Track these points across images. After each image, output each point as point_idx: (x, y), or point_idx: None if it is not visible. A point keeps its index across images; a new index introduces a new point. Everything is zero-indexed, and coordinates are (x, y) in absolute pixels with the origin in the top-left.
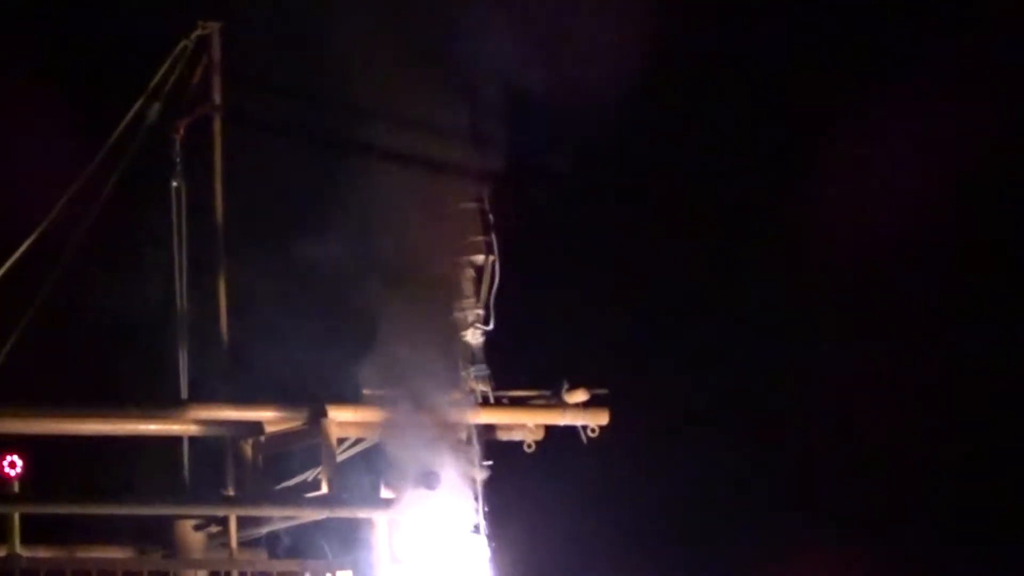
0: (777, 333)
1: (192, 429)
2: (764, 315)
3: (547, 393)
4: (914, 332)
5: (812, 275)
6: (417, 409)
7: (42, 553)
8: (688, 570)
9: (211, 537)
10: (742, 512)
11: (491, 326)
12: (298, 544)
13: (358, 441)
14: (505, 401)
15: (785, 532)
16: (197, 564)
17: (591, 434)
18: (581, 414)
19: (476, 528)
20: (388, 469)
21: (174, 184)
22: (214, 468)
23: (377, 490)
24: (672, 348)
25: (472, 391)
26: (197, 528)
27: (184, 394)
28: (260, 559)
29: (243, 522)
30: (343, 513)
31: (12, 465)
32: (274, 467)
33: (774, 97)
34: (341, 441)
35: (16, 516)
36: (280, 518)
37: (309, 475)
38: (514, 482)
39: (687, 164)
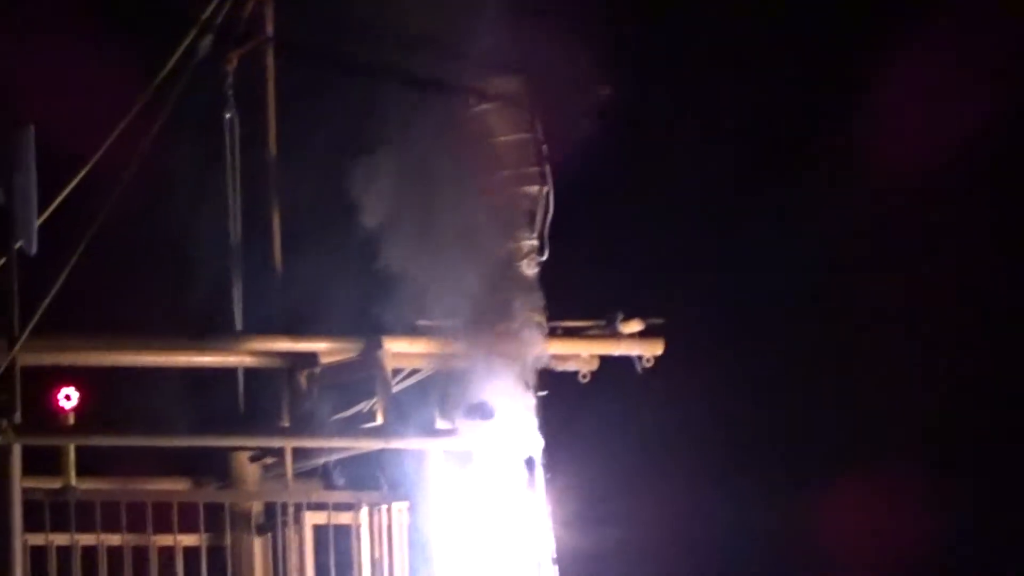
0: (834, 261)
1: (247, 360)
2: (824, 240)
3: (602, 323)
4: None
5: (874, 191)
6: (472, 340)
7: (97, 485)
8: (745, 496)
9: (266, 468)
10: (802, 438)
11: (545, 256)
12: (354, 476)
13: (413, 372)
14: (559, 332)
15: (848, 453)
16: (252, 495)
17: (646, 364)
18: (636, 344)
19: (531, 459)
20: (443, 400)
21: (227, 116)
22: (269, 399)
23: (432, 421)
24: (729, 275)
25: (527, 322)
26: (252, 459)
27: (239, 325)
28: (316, 490)
29: (298, 453)
30: (398, 444)
31: (67, 398)
32: (329, 398)
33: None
34: (396, 372)
35: (72, 448)
36: (335, 449)
37: (364, 406)
38: (569, 412)
39: (745, 83)
